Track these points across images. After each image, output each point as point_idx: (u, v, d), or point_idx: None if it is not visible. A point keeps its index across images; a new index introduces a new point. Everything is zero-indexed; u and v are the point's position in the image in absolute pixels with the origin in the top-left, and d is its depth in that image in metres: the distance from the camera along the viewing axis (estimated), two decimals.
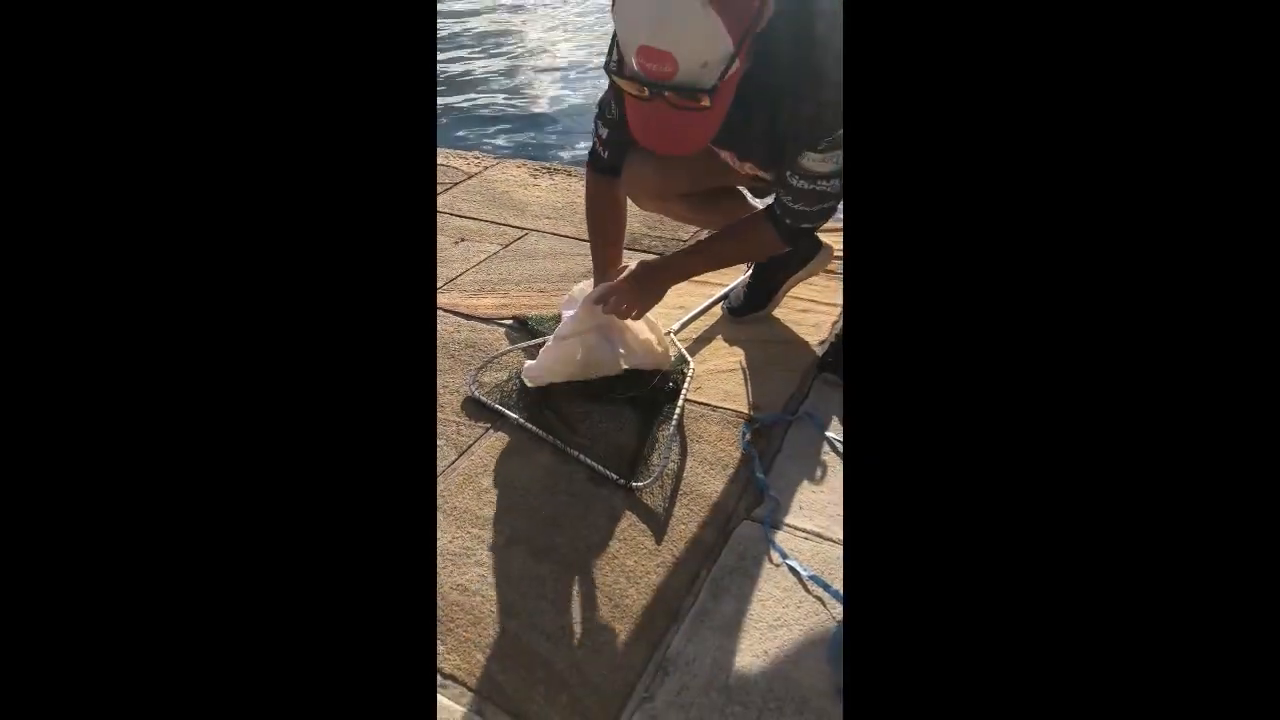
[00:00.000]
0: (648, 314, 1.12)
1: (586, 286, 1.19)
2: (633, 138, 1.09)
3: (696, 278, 1.46)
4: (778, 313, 1.33)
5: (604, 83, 1.06)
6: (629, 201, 1.21)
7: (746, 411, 1.11)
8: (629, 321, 1.11)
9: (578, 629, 0.81)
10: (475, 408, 1.15)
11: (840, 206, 1.07)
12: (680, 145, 0.87)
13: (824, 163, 0.92)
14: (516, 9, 5.74)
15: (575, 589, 0.85)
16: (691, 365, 1.19)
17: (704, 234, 1.63)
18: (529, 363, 1.13)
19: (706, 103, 0.79)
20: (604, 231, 1.18)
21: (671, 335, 1.25)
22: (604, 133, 1.10)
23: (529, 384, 1.13)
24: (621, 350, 1.11)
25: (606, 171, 1.15)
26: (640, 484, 0.98)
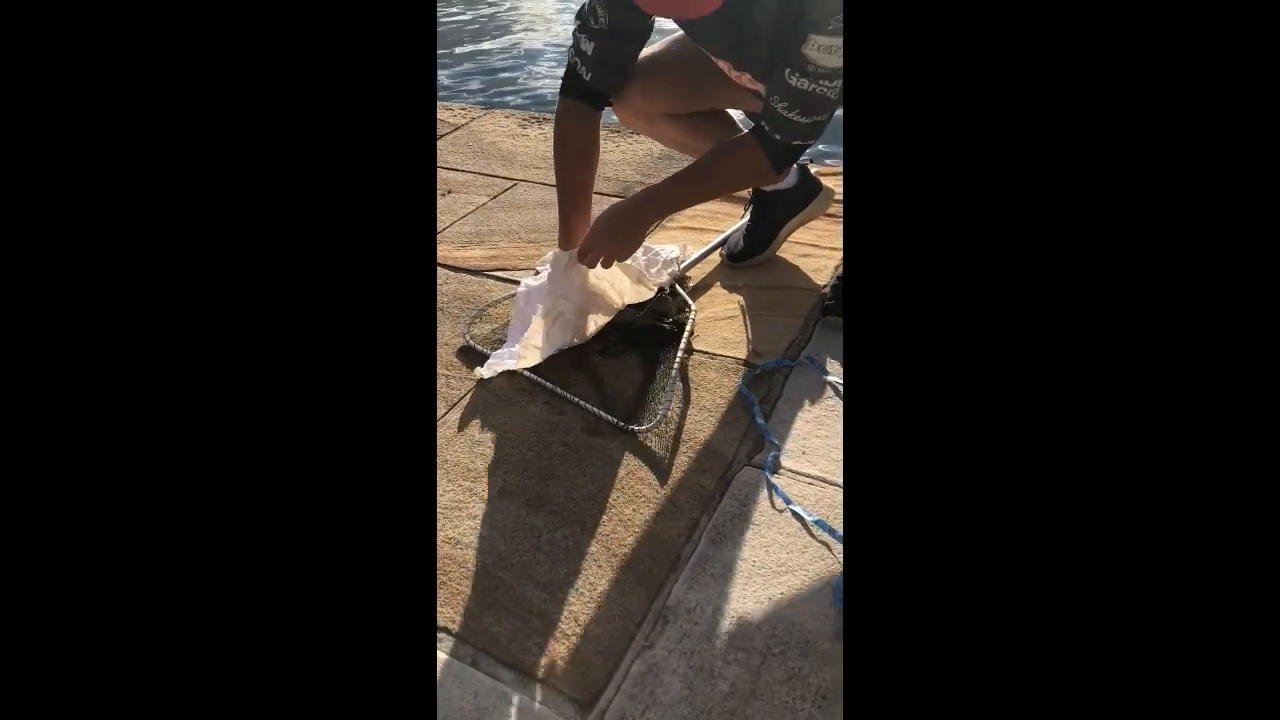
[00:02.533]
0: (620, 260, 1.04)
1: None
2: (617, 58, 1.01)
3: (693, 225, 1.41)
4: (778, 258, 1.28)
5: None
6: (617, 134, 1.14)
7: (746, 358, 1.07)
8: (595, 275, 1.03)
9: (574, 580, 0.78)
10: (466, 361, 1.11)
11: (834, 127, 0.98)
12: (698, 4, 0.81)
13: (830, 53, 0.86)
14: None
15: (571, 540, 0.83)
16: (693, 308, 1.14)
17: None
18: (492, 359, 1.04)
19: None
20: (573, 172, 1.06)
21: (674, 279, 1.20)
22: (588, 48, 0.98)
23: (490, 374, 1.04)
24: (593, 315, 1.06)
25: (584, 97, 1.03)
26: (641, 428, 0.95)
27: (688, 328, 1.10)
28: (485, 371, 1.04)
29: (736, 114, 1.25)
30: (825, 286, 1.20)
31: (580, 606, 0.76)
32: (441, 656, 0.72)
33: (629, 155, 1.71)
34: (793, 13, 0.87)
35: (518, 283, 1.26)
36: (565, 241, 1.10)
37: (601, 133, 1.82)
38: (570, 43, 1.04)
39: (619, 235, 1.00)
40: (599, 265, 1.02)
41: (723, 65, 1.02)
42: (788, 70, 0.89)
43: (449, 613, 0.76)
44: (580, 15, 1.00)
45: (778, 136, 0.94)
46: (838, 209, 1.39)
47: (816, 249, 1.30)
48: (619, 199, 1.51)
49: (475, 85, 3.38)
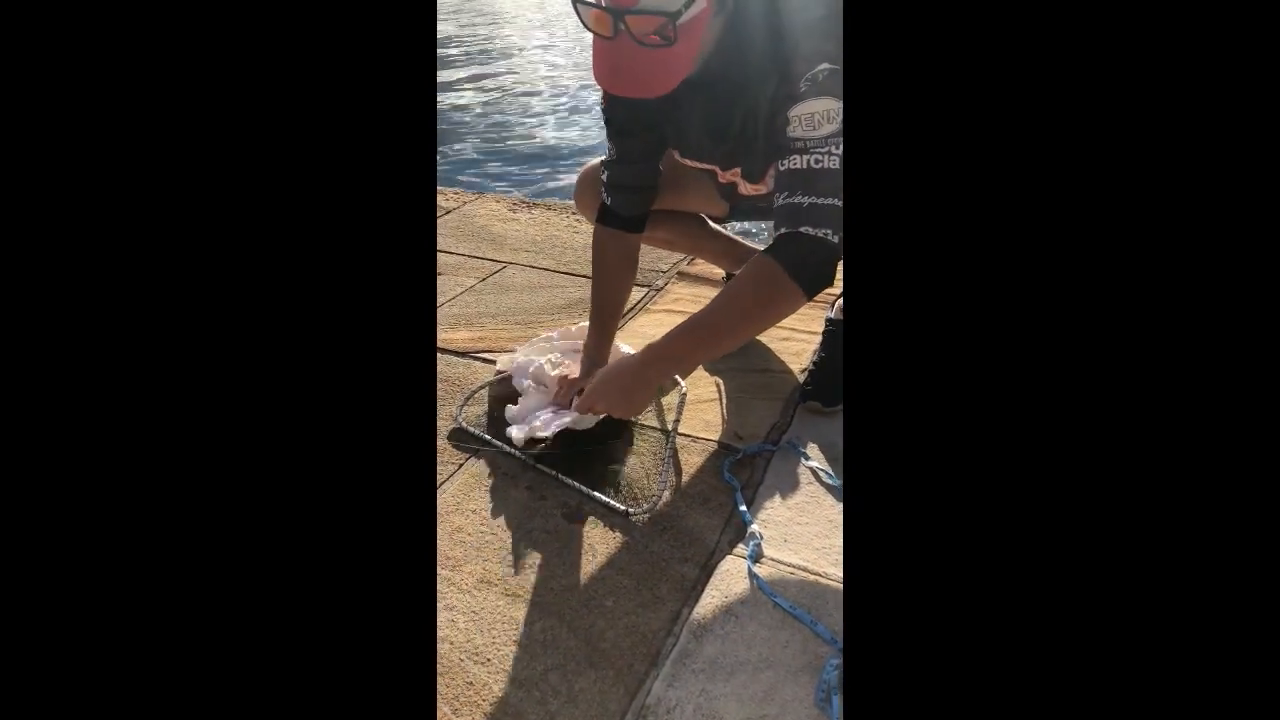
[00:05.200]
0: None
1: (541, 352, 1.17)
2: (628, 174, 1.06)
3: (677, 309, 1.45)
4: (757, 341, 1.31)
5: (594, 117, 1.05)
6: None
7: (728, 442, 1.08)
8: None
9: (552, 676, 0.76)
10: (447, 445, 1.11)
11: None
12: (646, 85, 0.79)
13: (813, 121, 0.78)
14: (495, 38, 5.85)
15: (550, 632, 0.81)
16: (684, 388, 1.16)
17: (685, 262, 1.62)
18: (513, 429, 1.09)
19: (672, 34, 0.75)
20: (603, 288, 1.12)
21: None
22: (605, 177, 1.07)
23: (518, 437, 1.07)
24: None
25: (612, 223, 1.09)
26: (636, 512, 0.95)
27: (678, 408, 1.11)
28: (518, 435, 1.07)
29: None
30: (804, 371, 1.22)
31: (558, 706, 0.73)
32: None
33: None
34: (769, 102, 0.85)
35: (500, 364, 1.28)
36: (588, 352, 1.14)
37: (576, 217, 1.90)
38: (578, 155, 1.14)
39: (632, 400, 0.92)
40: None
41: (704, 168, 1.06)
42: (780, 161, 0.83)
43: None
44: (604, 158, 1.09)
45: (797, 229, 0.81)
46: None
47: (795, 333, 1.34)
48: None
49: (467, 170, 3.51)
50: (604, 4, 0.75)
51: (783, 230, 0.83)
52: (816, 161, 0.80)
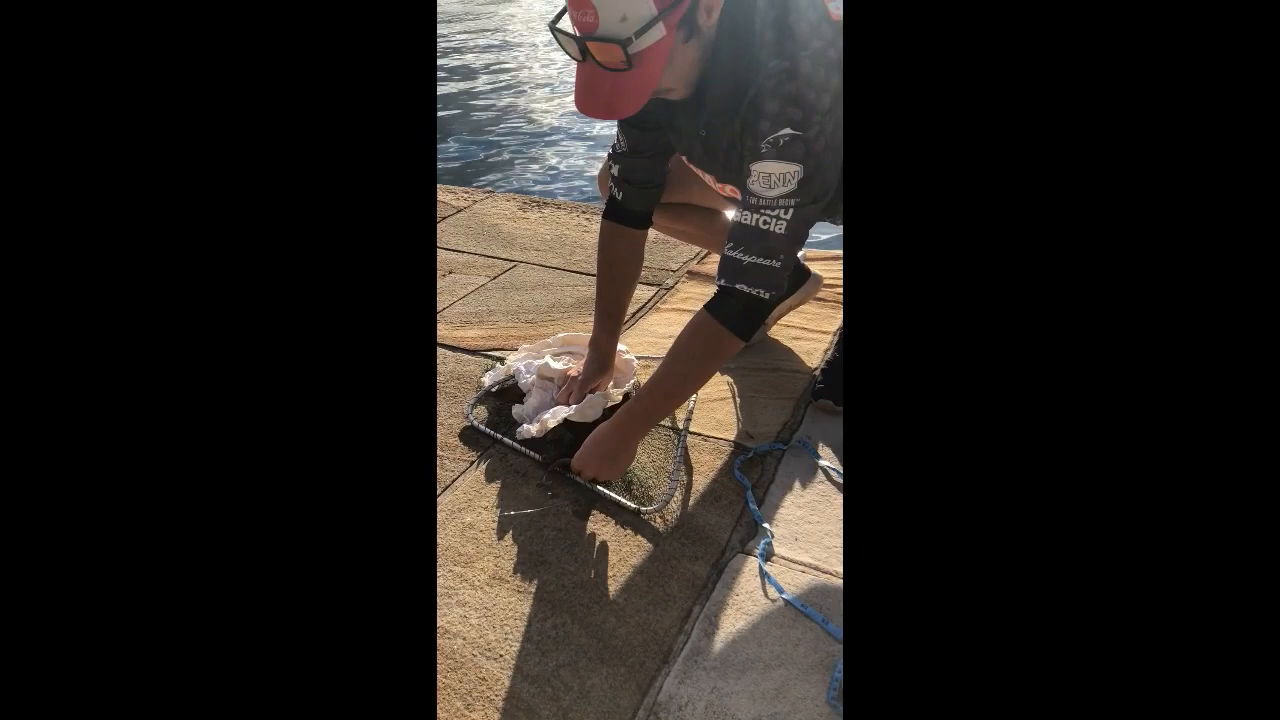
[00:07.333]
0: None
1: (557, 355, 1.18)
2: (635, 170, 1.07)
3: (685, 308, 1.45)
4: (770, 340, 1.31)
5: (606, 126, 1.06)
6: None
7: (739, 441, 1.08)
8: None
9: (564, 673, 0.77)
10: (459, 443, 1.12)
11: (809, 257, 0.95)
12: (608, 108, 0.83)
13: (769, 180, 0.83)
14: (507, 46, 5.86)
15: (562, 629, 0.81)
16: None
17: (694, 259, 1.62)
18: (525, 426, 1.09)
19: (623, 62, 0.77)
20: (606, 285, 1.13)
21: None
22: (615, 170, 1.08)
23: (532, 433, 1.07)
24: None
25: (619, 218, 1.10)
26: (648, 509, 0.95)
27: (690, 408, 1.12)
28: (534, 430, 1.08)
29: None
30: (816, 370, 1.22)
31: (570, 702, 0.74)
32: None
33: None
34: (741, 144, 0.88)
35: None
36: (594, 347, 1.14)
37: (586, 216, 1.90)
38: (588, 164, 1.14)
39: (616, 463, 0.98)
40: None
41: (708, 179, 1.07)
42: (737, 208, 0.89)
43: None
44: (612, 147, 1.10)
45: (734, 285, 0.88)
46: (827, 293, 1.43)
47: (807, 332, 1.34)
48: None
49: (478, 172, 3.52)
50: (574, 32, 0.79)
51: (722, 283, 0.90)
52: (765, 223, 0.86)
